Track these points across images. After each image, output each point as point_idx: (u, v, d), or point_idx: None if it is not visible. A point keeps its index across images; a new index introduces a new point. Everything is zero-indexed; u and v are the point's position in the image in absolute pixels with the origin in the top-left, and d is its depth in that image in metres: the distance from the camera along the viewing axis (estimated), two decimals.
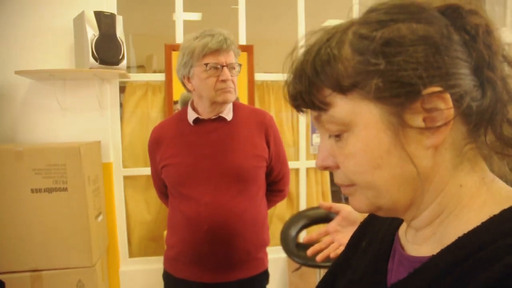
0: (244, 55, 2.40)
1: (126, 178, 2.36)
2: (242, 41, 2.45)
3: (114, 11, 2.26)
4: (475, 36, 0.44)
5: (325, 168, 0.50)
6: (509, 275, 0.35)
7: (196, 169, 1.32)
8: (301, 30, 2.55)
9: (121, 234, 2.33)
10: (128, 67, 3.06)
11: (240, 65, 1.38)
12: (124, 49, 2.08)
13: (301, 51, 0.49)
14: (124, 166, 2.36)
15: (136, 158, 2.47)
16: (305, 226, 2.08)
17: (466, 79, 0.43)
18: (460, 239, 0.42)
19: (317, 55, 0.46)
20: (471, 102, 0.43)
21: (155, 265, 2.17)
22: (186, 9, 2.40)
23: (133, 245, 2.46)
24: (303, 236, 2.56)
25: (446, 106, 0.42)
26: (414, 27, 0.43)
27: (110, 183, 2.26)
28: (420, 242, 0.49)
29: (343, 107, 0.45)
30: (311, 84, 0.46)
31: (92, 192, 2.01)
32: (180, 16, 2.40)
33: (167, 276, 1.42)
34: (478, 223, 0.42)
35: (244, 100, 2.45)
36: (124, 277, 2.30)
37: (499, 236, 0.40)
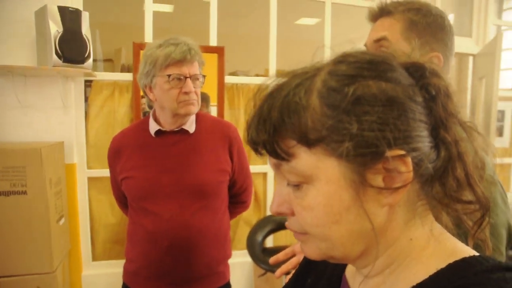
0: (214, 56, 2.37)
1: (90, 179, 2.29)
2: (213, 41, 2.42)
3: (80, 5, 2.17)
4: (435, 97, 0.46)
5: (279, 214, 0.49)
6: None
7: (158, 183, 1.29)
8: (273, 29, 2.53)
9: (84, 237, 2.26)
10: (95, 61, 2.96)
11: (204, 76, 1.35)
12: (90, 47, 2.00)
13: (265, 91, 0.47)
14: (89, 167, 2.28)
15: (102, 159, 2.38)
16: (272, 231, 2.09)
17: (425, 142, 0.45)
18: None
19: (285, 101, 0.44)
20: (428, 164, 0.45)
21: (119, 269, 2.10)
22: (158, 0, 2.32)
23: (97, 248, 2.39)
24: (270, 241, 2.57)
25: (406, 169, 0.43)
26: (383, 86, 0.43)
27: (73, 184, 2.18)
28: None
29: (306, 160, 0.44)
30: (276, 133, 0.44)
31: (54, 195, 1.94)
32: (150, 7, 2.32)
33: (125, 286, 1.39)
34: (426, 276, 0.44)
35: (213, 101, 2.42)
36: (87, 281, 2.24)
37: None
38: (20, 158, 1.79)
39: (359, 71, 0.44)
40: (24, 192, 1.81)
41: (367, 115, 0.42)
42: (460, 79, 4.58)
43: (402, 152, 0.43)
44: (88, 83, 2.36)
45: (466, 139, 0.47)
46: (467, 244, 0.49)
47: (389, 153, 0.42)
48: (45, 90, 2.08)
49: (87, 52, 1.98)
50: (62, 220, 2.04)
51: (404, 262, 0.48)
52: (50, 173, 1.89)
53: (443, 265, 0.44)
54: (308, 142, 0.44)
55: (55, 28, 1.90)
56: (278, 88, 0.46)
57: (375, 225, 0.45)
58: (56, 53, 1.89)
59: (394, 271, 0.48)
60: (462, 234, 0.70)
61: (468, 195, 0.48)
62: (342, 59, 0.46)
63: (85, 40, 1.97)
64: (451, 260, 0.44)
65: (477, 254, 0.46)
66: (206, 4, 2.44)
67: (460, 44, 3.05)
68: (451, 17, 3.72)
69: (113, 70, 3.43)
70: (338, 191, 0.44)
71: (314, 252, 0.49)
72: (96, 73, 2.20)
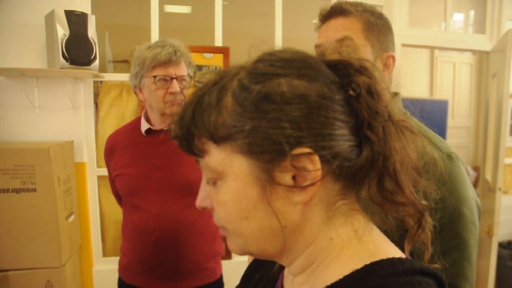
0: (219, 56, 2.40)
1: (100, 177, 2.35)
2: (219, 41, 2.44)
3: (88, 9, 2.24)
4: (359, 95, 0.45)
5: (203, 208, 0.50)
6: None
7: (146, 180, 1.33)
8: (278, 30, 2.53)
9: (95, 233, 2.33)
10: (110, 62, 3.04)
11: (191, 77, 1.37)
12: (96, 49, 2.06)
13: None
14: (98, 166, 2.35)
15: None
16: None
17: (341, 140, 0.44)
18: None
19: (199, 100, 0.46)
20: (343, 162, 0.44)
21: None
22: (176, 2, 2.35)
23: (107, 244, 2.46)
24: None
25: (313, 167, 0.43)
26: (295, 84, 0.43)
27: (83, 183, 2.25)
28: (297, 287, 0.50)
29: (216, 156, 0.45)
30: (189, 130, 0.46)
31: (63, 192, 2.01)
32: (155, 9, 2.37)
33: (120, 282, 1.44)
34: (341, 276, 0.44)
35: None
36: (98, 276, 2.30)
37: None
38: (29, 157, 1.86)
39: (272, 69, 0.44)
40: (34, 190, 1.88)
41: (273, 112, 0.42)
42: (480, 78, 4.45)
43: (308, 150, 0.42)
44: (99, 84, 2.43)
45: (397, 139, 0.46)
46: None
47: (294, 151, 0.42)
48: (55, 91, 2.16)
49: (93, 54, 2.04)
50: (72, 217, 2.11)
51: (325, 261, 0.47)
52: (59, 172, 1.96)
53: (359, 266, 0.44)
54: (216, 139, 0.45)
55: (62, 31, 1.97)
56: (200, 87, 0.47)
57: (288, 223, 0.46)
58: (63, 56, 1.96)
59: (315, 270, 0.48)
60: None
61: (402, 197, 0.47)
62: (261, 58, 0.47)
63: (91, 43, 2.03)
64: (368, 261, 0.44)
65: (399, 256, 0.45)
66: (224, 5, 2.46)
67: (477, 41, 2.97)
68: (471, 14, 3.61)
69: (129, 71, 3.52)
70: (245, 187, 0.45)
71: (234, 247, 0.50)
72: (104, 74, 2.27)
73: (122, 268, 1.43)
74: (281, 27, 2.53)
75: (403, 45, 2.60)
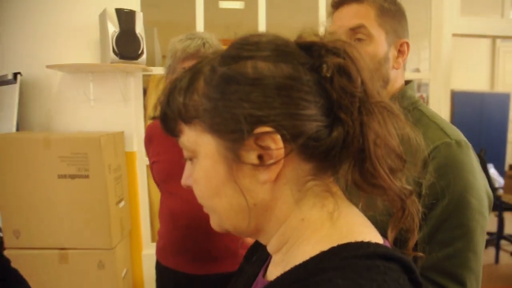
0: None
1: (148, 166, 2.48)
2: None
3: (138, 7, 2.35)
4: (332, 76, 0.45)
5: (187, 186, 0.53)
6: None
7: (179, 167, 1.37)
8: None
9: (144, 219, 2.47)
10: (159, 57, 3.17)
11: None
12: (143, 44, 2.17)
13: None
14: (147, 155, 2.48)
15: None
16: None
17: (307, 120, 0.44)
18: (290, 270, 0.44)
19: (175, 85, 0.48)
20: (309, 142, 0.44)
21: None
22: None
23: (156, 230, 2.60)
24: None
25: (275, 146, 0.44)
26: (259, 65, 0.44)
27: (133, 171, 2.40)
28: (275, 266, 0.52)
29: (189, 136, 0.48)
30: (165, 113, 0.49)
31: (114, 179, 2.15)
32: (201, 5, 2.44)
33: (157, 264, 1.52)
34: (309, 257, 0.44)
35: None
36: (146, 260, 2.44)
37: (317, 272, 0.41)
38: (83, 145, 2.01)
39: (241, 52, 0.46)
40: (87, 176, 2.03)
41: (236, 93, 0.44)
42: None
43: (269, 129, 0.43)
44: (148, 77, 2.56)
45: (374, 120, 0.46)
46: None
47: (256, 130, 0.43)
48: (107, 84, 2.31)
49: (141, 49, 2.16)
50: (122, 203, 2.26)
51: (297, 241, 0.48)
52: (109, 160, 2.10)
53: (327, 247, 0.44)
54: (186, 120, 0.47)
55: (113, 28, 2.10)
56: (179, 73, 0.50)
57: (257, 201, 0.47)
58: (113, 51, 2.09)
59: (289, 250, 0.49)
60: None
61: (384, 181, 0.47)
62: (234, 42, 0.48)
63: (138, 38, 2.15)
64: (336, 244, 0.44)
65: (368, 240, 0.44)
66: (277, 0, 2.48)
67: None
68: None
69: None
70: (214, 165, 0.47)
71: (213, 223, 0.53)
72: (151, 68, 2.39)
73: (159, 250, 1.51)
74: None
75: (454, 35, 2.45)
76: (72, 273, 2.06)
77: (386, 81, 0.92)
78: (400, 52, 0.92)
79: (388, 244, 0.49)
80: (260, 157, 0.45)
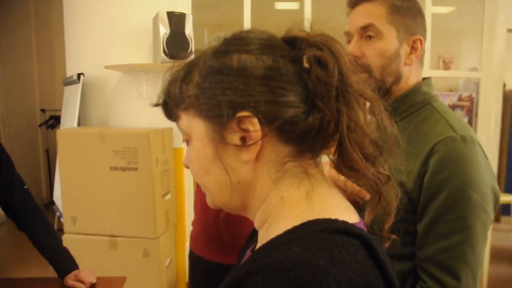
0: None
1: None
2: None
3: (189, 10, 2.47)
4: (310, 67, 0.49)
5: (187, 167, 0.59)
6: (246, 275, 0.42)
7: None
8: None
9: (189, 213, 2.57)
10: None
11: None
12: (192, 44, 2.27)
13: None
14: None
15: None
16: None
17: (284, 106, 0.48)
18: (266, 242, 0.48)
19: (174, 77, 0.54)
20: (285, 126, 0.48)
21: None
22: None
23: None
24: None
25: (253, 128, 0.49)
26: (243, 58, 0.49)
27: (180, 166, 2.51)
28: (260, 241, 0.55)
29: (184, 120, 0.54)
30: (165, 100, 0.56)
31: (161, 173, 2.27)
32: (248, 7, 2.51)
33: (190, 252, 1.59)
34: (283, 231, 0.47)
35: None
36: None
37: (282, 242, 0.44)
38: (133, 140, 2.15)
39: (228, 47, 0.52)
40: (136, 169, 2.17)
41: (221, 82, 0.49)
42: None
43: (247, 114, 0.48)
44: None
45: (350, 108, 0.50)
46: None
47: (238, 115, 0.48)
48: (159, 84, 2.43)
49: (189, 49, 2.26)
50: (168, 196, 2.37)
51: (276, 218, 0.52)
52: (157, 154, 2.22)
53: (298, 223, 0.47)
54: (181, 107, 0.53)
55: (164, 30, 2.23)
56: (181, 65, 0.56)
57: (241, 179, 0.52)
58: (164, 52, 2.22)
59: (270, 226, 0.53)
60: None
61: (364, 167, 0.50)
62: (225, 39, 0.53)
63: (187, 39, 2.26)
64: (305, 220, 0.47)
65: (336, 218, 0.47)
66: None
67: None
68: None
69: None
70: (203, 147, 0.53)
71: (208, 201, 0.58)
72: None
73: (192, 239, 1.58)
74: None
75: (510, 30, 2.30)
76: (120, 259, 2.20)
77: (398, 77, 0.92)
78: (413, 48, 0.92)
79: (362, 225, 0.52)
80: (242, 139, 0.50)
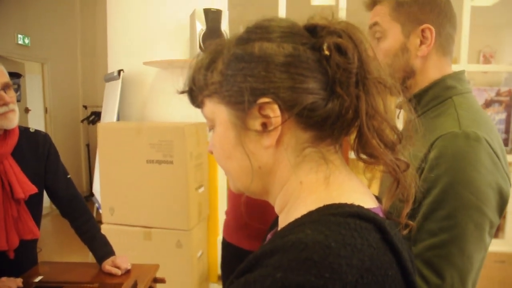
0: None
1: None
2: None
3: (225, 6, 2.51)
4: (330, 55, 0.50)
5: (211, 152, 0.60)
6: (262, 256, 0.43)
7: None
8: None
9: (222, 206, 2.61)
10: None
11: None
12: None
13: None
14: None
15: None
16: None
17: (304, 92, 0.49)
18: (284, 226, 0.49)
19: (199, 64, 0.56)
20: (304, 112, 0.49)
21: None
22: None
23: None
24: None
25: (274, 114, 0.50)
26: (265, 46, 0.51)
27: (214, 160, 2.54)
28: (280, 225, 0.56)
29: (208, 107, 0.56)
30: (190, 88, 0.57)
31: (194, 166, 2.32)
32: (283, 5, 2.52)
33: (223, 240, 1.63)
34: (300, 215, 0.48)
35: None
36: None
37: (298, 225, 0.45)
38: (169, 133, 2.21)
39: (251, 35, 0.53)
40: (171, 162, 2.23)
41: (244, 70, 0.51)
42: None
43: (268, 100, 0.49)
44: None
45: (370, 95, 0.50)
46: None
47: (259, 101, 0.50)
48: None
49: None
50: (202, 189, 2.42)
51: (296, 202, 0.53)
52: (192, 148, 2.27)
53: (314, 207, 0.48)
54: (206, 94, 0.55)
55: (200, 26, 2.28)
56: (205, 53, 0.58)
57: (262, 164, 0.53)
58: (200, 47, 2.26)
59: (289, 210, 0.54)
60: None
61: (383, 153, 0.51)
62: (248, 27, 0.55)
63: (223, 35, 2.29)
64: (322, 204, 0.48)
65: (352, 203, 0.47)
66: None
67: None
68: None
69: None
70: (226, 132, 0.54)
71: (231, 185, 0.60)
72: None
73: (224, 227, 1.63)
74: None
75: None
76: (154, 249, 2.27)
77: (409, 71, 0.91)
78: (424, 38, 0.90)
79: (379, 211, 0.52)
80: (263, 124, 0.51)
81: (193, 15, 2.32)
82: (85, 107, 5.88)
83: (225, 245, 1.58)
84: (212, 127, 0.58)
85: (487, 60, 4.63)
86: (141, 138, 2.24)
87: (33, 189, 1.42)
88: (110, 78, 2.83)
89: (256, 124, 0.51)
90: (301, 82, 0.49)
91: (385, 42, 0.92)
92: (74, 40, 5.89)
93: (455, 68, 0.94)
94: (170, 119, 2.54)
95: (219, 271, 2.59)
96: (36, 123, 5.07)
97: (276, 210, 0.58)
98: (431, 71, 0.92)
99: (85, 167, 6.02)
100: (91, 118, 5.43)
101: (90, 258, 1.69)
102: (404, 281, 0.45)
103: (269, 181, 0.55)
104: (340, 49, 0.49)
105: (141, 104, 2.62)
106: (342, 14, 2.49)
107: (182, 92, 0.60)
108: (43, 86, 5.40)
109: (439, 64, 0.93)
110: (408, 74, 0.92)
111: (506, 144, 2.55)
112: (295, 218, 0.48)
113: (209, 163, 2.52)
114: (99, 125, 2.37)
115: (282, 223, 0.54)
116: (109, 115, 2.80)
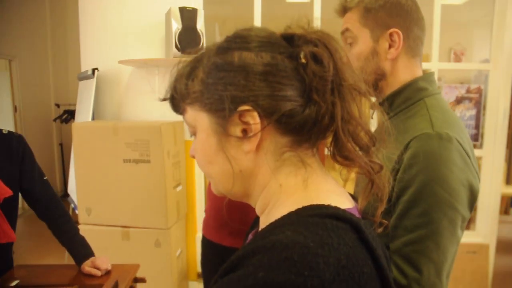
0: None
1: None
2: None
3: (200, 5, 2.51)
4: (306, 63, 0.52)
5: (193, 157, 0.62)
6: (243, 256, 0.45)
7: None
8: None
9: (200, 204, 2.63)
10: None
11: None
12: (203, 39, 2.31)
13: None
14: None
15: None
16: None
17: (282, 100, 0.51)
18: (265, 227, 0.51)
19: (180, 72, 0.58)
20: (283, 118, 0.52)
21: None
22: None
23: None
24: None
25: (253, 121, 0.52)
26: (244, 55, 0.53)
27: (191, 158, 2.55)
28: (261, 226, 0.58)
29: (190, 114, 0.58)
30: (172, 95, 0.59)
31: (172, 165, 2.32)
32: (258, 1, 2.54)
33: (202, 238, 1.64)
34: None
35: None
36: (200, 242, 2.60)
37: (277, 226, 0.48)
38: (145, 132, 2.20)
39: (230, 44, 0.55)
40: (148, 161, 2.22)
41: (224, 78, 0.53)
42: None
43: (248, 107, 0.51)
44: None
45: (345, 101, 0.53)
46: None
47: (239, 108, 0.52)
48: None
49: (201, 44, 2.30)
50: (179, 187, 2.42)
51: (276, 204, 0.55)
52: (169, 146, 2.27)
53: (294, 209, 0.50)
54: (187, 101, 0.57)
55: (176, 25, 2.27)
56: (186, 62, 0.60)
57: (243, 168, 0.56)
58: (176, 46, 2.26)
59: (270, 212, 0.57)
60: None
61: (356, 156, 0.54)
62: (228, 36, 0.57)
63: (199, 34, 2.30)
64: (301, 206, 0.50)
65: (329, 204, 0.50)
66: None
67: None
68: None
69: None
70: (207, 138, 0.56)
71: (213, 188, 0.62)
72: None
73: (204, 225, 1.64)
74: None
75: None
76: (132, 249, 2.27)
77: (380, 74, 0.95)
78: (393, 41, 0.94)
79: (355, 210, 0.55)
80: (243, 131, 0.53)
81: (168, 14, 2.31)
82: (58, 105, 5.73)
83: (205, 242, 1.60)
84: (194, 133, 0.59)
85: (458, 58, 4.77)
86: (118, 137, 2.23)
87: (7, 191, 1.40)
88: (84, 76, 2.79)
89: (237, 130, 0.53)
90: (280, 90, 0.51)
91: (356, 47, 0.96)
92: (44, 37, 5.74)
93: (426, 66, 0.98)
94: (146, 118, 2.53)
95: (198, 269, 2.60)
96: (4, 122, 4.93)
97: (257, 211, 0.60)
98: (401, 73, 0.96)
99: (59, 167, 5.89)
100: (64, 117, 5.30)
101: (66, 259, 1.68)
102: (379, 277, 0.48)
103: (250, 184, 0.57)
104: (316, 58, 0.52)
105: (116, 103, 2.60)
106: (316, 12, 2.54)
107: (164, 100, 0.61)
108: (11, 84, 5.24)
109: (409, 65, 0.96)
110: (380, 77, 0.96)
111: (476, 139, 2.65)
112: (275, 219, 0.50)
113: (187, 162, 2.53)
114: (74, 125, 2.34)
115: (263, 224, 0.56)
116: (83, 114, 2.75)
